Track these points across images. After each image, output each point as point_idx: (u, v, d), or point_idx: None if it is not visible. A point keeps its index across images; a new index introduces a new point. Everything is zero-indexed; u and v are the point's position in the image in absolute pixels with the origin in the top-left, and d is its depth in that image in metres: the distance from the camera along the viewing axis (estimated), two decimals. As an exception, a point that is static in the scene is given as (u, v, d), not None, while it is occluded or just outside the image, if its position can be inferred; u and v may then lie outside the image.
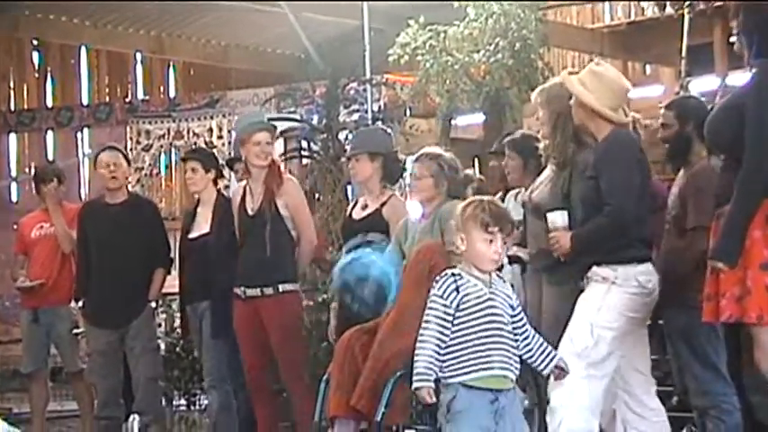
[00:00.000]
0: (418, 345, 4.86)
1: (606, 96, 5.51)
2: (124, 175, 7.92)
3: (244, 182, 7.23)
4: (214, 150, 12.03)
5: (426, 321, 4.85)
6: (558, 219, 5.58)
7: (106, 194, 7.89)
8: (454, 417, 4.85)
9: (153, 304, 7.85)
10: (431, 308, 4.85)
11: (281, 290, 6.94)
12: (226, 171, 9.44)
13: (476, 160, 10.82)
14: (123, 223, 7.70)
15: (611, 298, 5.38)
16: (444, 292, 4.83)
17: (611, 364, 5.44)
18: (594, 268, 5.47)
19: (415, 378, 4.86)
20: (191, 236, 7.52)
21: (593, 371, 5.38)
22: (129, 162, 8.22)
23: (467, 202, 4.98)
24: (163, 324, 8.83)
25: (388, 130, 7.48)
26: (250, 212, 7.06)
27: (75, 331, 8.25)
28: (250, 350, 7.04)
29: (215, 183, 7.63)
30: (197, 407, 9.01)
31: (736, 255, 4.81)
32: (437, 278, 4.93)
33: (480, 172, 7.62)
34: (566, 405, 5.36)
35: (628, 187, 5.38)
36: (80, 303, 7.88)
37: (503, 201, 7.28)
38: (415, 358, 4.86)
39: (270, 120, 7.52)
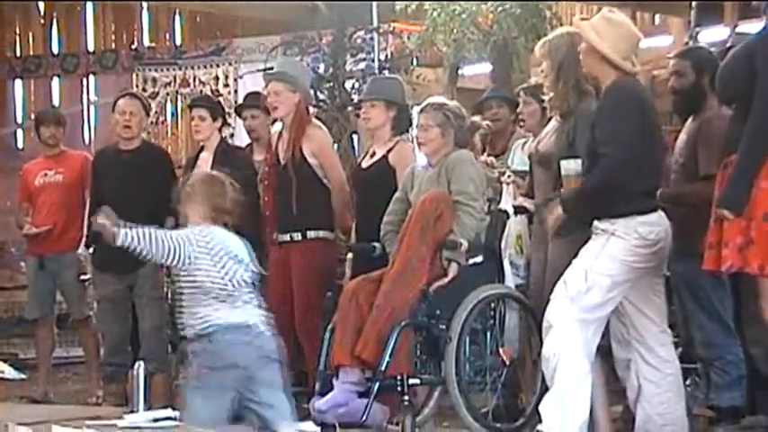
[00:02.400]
0: None
1: (618, 43, 5.47)
2: (139, 124, 7.90)
3: (277, 128, 7.25)
4: (220, 98, 12.01)
5: None
6: (570, 166, 5.56)
7: (120, 141, 7.88)
8: None
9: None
10: None
11: (309, 236, 6.97)
12: (232, 119, 9.43)
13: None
14: (134, 170, 7.70)
15: (610, 247, 5.37)
16: None
17: (605, 310, 5.44)
18: (595, 222, 5.46)
19: None
20: (191, 182, 7.53)
21: (585, 315, 5.38)
22: (147, 112, 8.20)
23: None
24: (169, 271, 8.82)
25: (403, 82, 7.46)
26: (281, 160, 7.08)
27: (83, 278, 8.27)
28: (275, 295, 7.07)
29: (219, 130, 7.62)
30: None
31: (743, 203, 4.80)
32: None
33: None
34: (559, 352, 5.37)
35: (622, 137, 5.33)
36: (90, 250, 7.89)
37: (495, 154, 7.26)
38: None
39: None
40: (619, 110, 5.38)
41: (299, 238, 6.99)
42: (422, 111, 6.43)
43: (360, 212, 6.98)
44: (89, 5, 14.42)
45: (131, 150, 7.80)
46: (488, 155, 7.24)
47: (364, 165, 6.99)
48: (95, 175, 7.91)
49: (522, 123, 7.05)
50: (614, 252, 5.37)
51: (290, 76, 7.16)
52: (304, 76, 7.39)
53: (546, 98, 6.02)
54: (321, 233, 7.02)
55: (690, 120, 6.08)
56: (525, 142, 6.92)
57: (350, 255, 6.93)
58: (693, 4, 9.92)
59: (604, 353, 5.63)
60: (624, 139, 5.31)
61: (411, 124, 7.10)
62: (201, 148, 7.64)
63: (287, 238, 7.03)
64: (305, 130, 7.05)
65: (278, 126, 7.29)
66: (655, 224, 5.42)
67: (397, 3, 9.97)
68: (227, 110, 8.20)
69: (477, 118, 6.99)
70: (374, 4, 10.44)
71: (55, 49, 14.30)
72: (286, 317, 7.05)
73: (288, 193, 6.99)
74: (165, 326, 7.98)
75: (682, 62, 6.10)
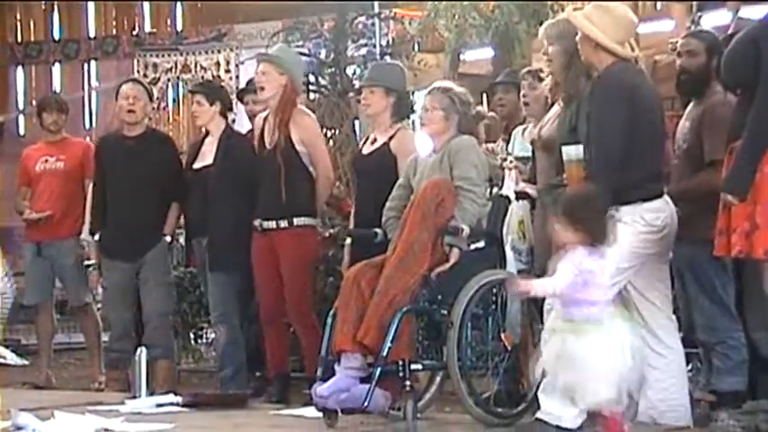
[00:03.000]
0: None
1: (611, 29, 5.46)
2: (143, 109, 7.90)
3: (265, 113, 7.22)
4: (222, 84, 11.99)
5: None
6: (572, 152, 5.56)
7: (124, 127, 7.87)
8: None
9: (168, 239, 7.86)
10: None
11: (295, 223, 6.96)
12: (234, 104, 9.41)
13: (484, 95, 10.77)
14: (139, 156, 7.70)
15: (616, 234, 5.36)
16: None
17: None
18: None
19: None
20: (195, 166, 7.53)
21: None
22: (151, 97, 8.20)
23: None
24: (170, 258, 8.82)
25: (404, 68, 7.44)
26: (267, 146, 7.07)
27: (87, 263, 8.26)
28: (264, 282, 7.09)
29: (224, 115, 7.59)
30: (204, 340, 9.05)
31: (747, 187, 4.81)
32: None
33: (488, 107, 7.58)
34: None
35: (609, 129, 5.32)
36: (96, 236, 7.89)
37: (508, 137, 7.25)
38: None
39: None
40: (608, 99, 5.37)
41: (286, 225, 6.98)
42: (429, 93, 6.43)
43: (360, 199, 6.98)
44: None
45: (136, 136, 7.80)
46: (503, 140, 7.24)
47: (365, 151, 6.98)
48: (99, 162, 7.90)
49: (525, 105, 6.97)
50: (620, 238, 5.36)
51: (280, 59, 7.17)
52: (296, 63, 7.36)
53: (546, 82, 6.00)
54: (307, 220, 7.01)
55: (692, 105, 6.07)
56: (525, 129, 6.91)
57: (348, 240, 6.94)
58: (696, -12, 9.90)
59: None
60: (611, 131, 5.30)
61: (412, 111, 7.09)
62: (207, 134, 7.63)
63: (272, 225, 7.01)
64: (291, 115, 7.04)
65: (263, 113, 7.28)
66: (660, 210, 5.42)
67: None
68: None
69: (481, 108, 6.96)
70: (375, -11, 10.42)
71: (56, 35, 14.30)
72: (277, 304, 7.06)
73: (275, 180, 6.97)
74: (170, 312, 7.99)
75: (695, 42, 6.08)
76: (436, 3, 9.90)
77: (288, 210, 6.97)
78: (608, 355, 4.85)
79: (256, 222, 7.08)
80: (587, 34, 5.47)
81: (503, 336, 6.07)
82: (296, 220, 6.98)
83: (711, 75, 5.92)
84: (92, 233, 7.97)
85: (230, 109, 7.79)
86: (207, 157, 7.48)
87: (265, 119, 7.18)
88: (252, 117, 8.08)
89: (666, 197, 5.47)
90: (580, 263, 4.93)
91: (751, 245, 4.83)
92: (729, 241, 4.91)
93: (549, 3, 9.96)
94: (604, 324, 4.93)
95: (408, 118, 7.22)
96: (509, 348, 6.05)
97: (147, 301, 7.71)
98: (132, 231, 7.63)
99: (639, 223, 5.37)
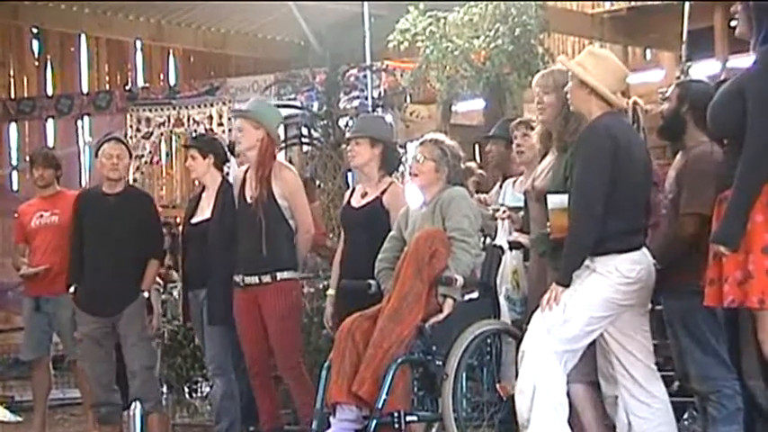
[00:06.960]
0: None
1: (605, 78, 5.50)
2: (126, 167, 7.92)
3: (245, 167, 7.23)
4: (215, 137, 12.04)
5: None
6: (556, 200, 5.56)
7: (104, 184, 7.87)
8: None
9: (146, 294, 7.84)
10: None
11: (278, 278, 6.94)
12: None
13: (476, 146, 10.82)
14: (119, 213, 7.69)
15: (589, 282, 5.37)
16: None
17: (582, 342, 5.43)
18: None
19: None
20: (193, 221, 7.52)
21: (562, 346, 5.38)
22: (131, 154, 8.22)
23: None
24: (164, 311, 8.81)
25: (390, 121, 7.47)
26: (248, 200, 7.05)
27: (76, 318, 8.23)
28: (250, 338, 7.04)
29: (219, 168, 7.60)
30: (198, 394, 9.01)
31: (738, 238, 4.81)
32: None
33: (480, 158, 7.62)
34: (536, 384, 5.36)
35: (595, 180, 5.35)
36: (71, 289, 7.85)
37: (500, 187, 7.27)
38: None
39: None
40: (593, 150, 5.37)
41: (269, 279, 6.96)
42: (420, 144, 6.47)
43: (350, 251, 6.92)
44: (83, 46, 14.49)
45: (116, 194, 7.79)
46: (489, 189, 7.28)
47: (355, 204, 6.95)
48: (78, 216, 7.89)
49: (519, 154, 6.99)
50: (594, 288, 5.37)
51: (253, 113, 7.14)
52: (271, 115, 7.28)
53: (537, 130, 6.02)
54: (290, 273, 6.99)
55: (679, 155, 6.10)
56: (515, 180, 6.93)
57: (330, 291, 6.92)
58: (684, 37, 9.98)
59: (598, 388, 5.63)
60: (594, 183, 5.32)
61: (401, 163, 7.10)
62: (203, 189, 7.63)
63: (255, 280, 6.97)
64: (271, 168, 7.03)
65: (244, 166, 7.28)
66: (637, 262, 5.41)
67: (389, 40, 10.01)
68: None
69: (472, 164, 6.99)
70: (367, 41, 10.49)
71: (49, 91, 14.35)
72: (263, 359, 7.03)
73: (257, 234, 6.94)
74: (154, 365, 7.95)
75: (673, 89, 6.14)
76: (428, 54, 9.95)
77: (270, 264, 6.92)
78: None
79: (237, 278, 7.01)
80: (584, 80, 5.48)
81: (498, 386, 6.06)
82: (279, 275, 6.95)
83: (684, 119, 5.92)
84: (67, 286, 7.92)
85: (225, 161, 7.80)
86: (204, 211, 7.47)
87: (246, 171, 7.18)
88: (243, 169, 8.08)
89: (644, 250, 5.47)
90: None
91: (745, 294, 4.82)
92: (721, 291, 4.91)
93: (540, 53, 10.04)
94: None
95: (397, 170, 7.22)
96: (504, 399, 6.04)
97: (129, 357, 7.66)
98: (109, 287, 7.61)
99: (614, 274, 5.37)
